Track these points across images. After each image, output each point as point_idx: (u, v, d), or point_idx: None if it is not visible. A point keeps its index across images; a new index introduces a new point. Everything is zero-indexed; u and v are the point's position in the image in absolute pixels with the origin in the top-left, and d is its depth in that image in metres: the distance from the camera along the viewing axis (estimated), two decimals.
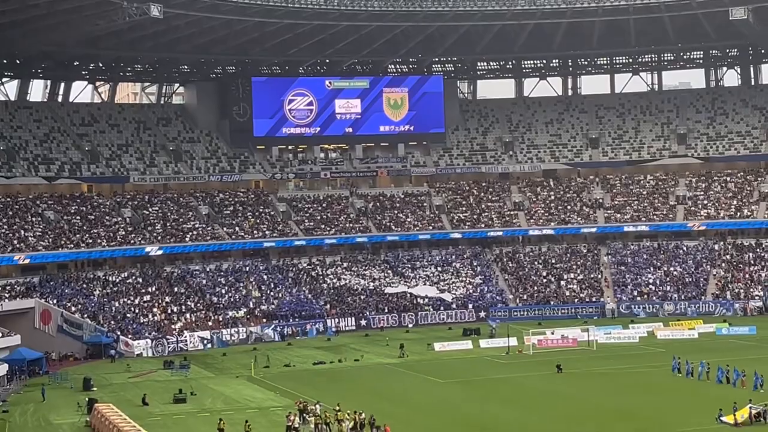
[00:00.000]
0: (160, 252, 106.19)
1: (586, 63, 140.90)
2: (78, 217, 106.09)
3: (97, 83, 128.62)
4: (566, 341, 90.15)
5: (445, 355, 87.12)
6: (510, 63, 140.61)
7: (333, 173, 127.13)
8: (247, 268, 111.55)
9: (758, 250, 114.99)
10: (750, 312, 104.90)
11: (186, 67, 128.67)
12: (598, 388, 69.90)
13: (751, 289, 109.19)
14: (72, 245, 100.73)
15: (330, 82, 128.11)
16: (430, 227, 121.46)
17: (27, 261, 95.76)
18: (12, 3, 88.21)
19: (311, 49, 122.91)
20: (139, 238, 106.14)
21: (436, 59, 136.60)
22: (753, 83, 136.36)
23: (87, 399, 65.98)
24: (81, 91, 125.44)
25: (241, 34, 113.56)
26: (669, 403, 63.75)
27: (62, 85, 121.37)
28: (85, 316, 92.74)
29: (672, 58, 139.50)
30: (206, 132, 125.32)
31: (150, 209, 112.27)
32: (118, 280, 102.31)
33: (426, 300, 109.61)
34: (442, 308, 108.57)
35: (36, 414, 65.78)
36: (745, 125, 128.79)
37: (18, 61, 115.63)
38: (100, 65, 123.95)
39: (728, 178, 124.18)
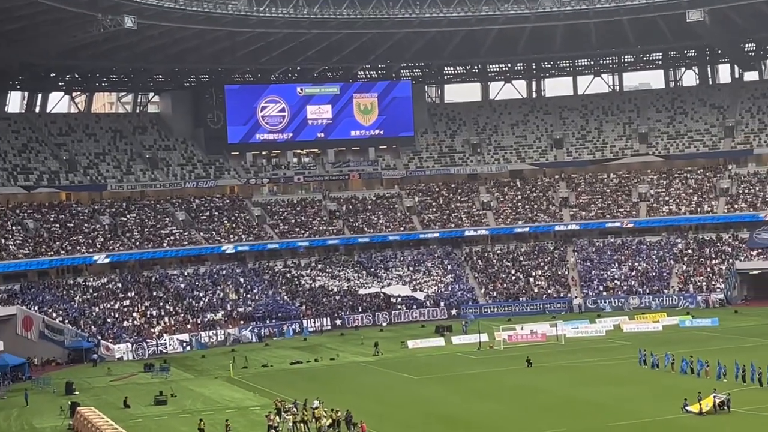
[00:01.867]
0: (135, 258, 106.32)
1: (549, 66, 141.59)
2: (57, 225, 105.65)
3: (74, 94, 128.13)
4: (535, 336, 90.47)
5: (418, 352, 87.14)
6: (476, 67, 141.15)
7: (306, 177, 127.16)
8: (224, 272, 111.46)
9: (718, 244, 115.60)
10: (712, 304, 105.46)
11: (160, 76, 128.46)
12: (567, 381, 69.97)
13: (713, 282, 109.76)
14: (52, 253, 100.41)
15: (301, 89, 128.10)
16: (402, 228, 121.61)
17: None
18: None
19: (282, 57, 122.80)
20: (118, 245, 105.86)
21: (404, 65, 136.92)
22: (710, 83, 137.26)
23: (69, 403, 65.67)
24: (58, 102, 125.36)
25: (213, 44, 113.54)
26: (636, 393, 63.96)
27: (39, 96, 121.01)
28: (66, 321, 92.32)
29: (632, 59, 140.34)
30: (181, 139, 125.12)
31: (128, 216, 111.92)
32: (98, 285, 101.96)
33: (399, 299, 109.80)
34: (414, 307, 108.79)
35: (20, 418, 65.48)
36: (703, 123, 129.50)
37: None
38: (77, 76, 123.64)
39: (688, 175, 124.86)
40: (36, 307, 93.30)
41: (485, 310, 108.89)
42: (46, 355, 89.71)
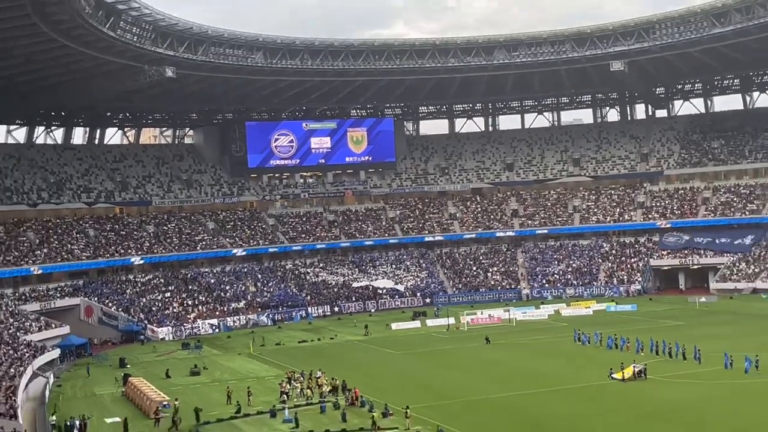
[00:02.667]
0: (177, 259, 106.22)
1: (502, 106, 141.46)
2: (112, 233, 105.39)
3: (126, 129, 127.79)
4: (492, 319, 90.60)
5: (400, 333, 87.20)
6: (444, 107, 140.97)
7: (310, 194, 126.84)
8: (245, 270, 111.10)
9: (636, 246, 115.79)
10: (631, 293, 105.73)
11: (194, 114, 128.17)
12: (518, 355, 70.30)
13: (632, 276, 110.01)
14: (108, 255, 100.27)
15: (306, 125, 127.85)
16: (386, 234, 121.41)
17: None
18: (59, 68, 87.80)
19: (291, 99, 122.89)
20: (160, 249, 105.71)
21: (388, 105, 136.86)
22: (629, 119, 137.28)
23: (122, 374, 65.92)
24: (113, 135, 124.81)
25: (236, 89, 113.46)
26: (572, 364, 64.24)
27: (98, 130, 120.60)
28: (120, 309, 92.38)
29: (567, 101, 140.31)
30: (211, 165, 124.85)
31: (168, 225, 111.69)
32: (144, 281, 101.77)
33: (384, 290, 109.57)
34: (396, 296, 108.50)
35: (83, 387, 65.65)
36: (624, 151, 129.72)
37: (63, 113, 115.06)
38: (128, 115, 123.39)
39: (612, 192, 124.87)
40: (95, 298, 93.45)
41: (452, 299, 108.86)
42: (104, 336, 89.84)
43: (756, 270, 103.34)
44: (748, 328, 77.42)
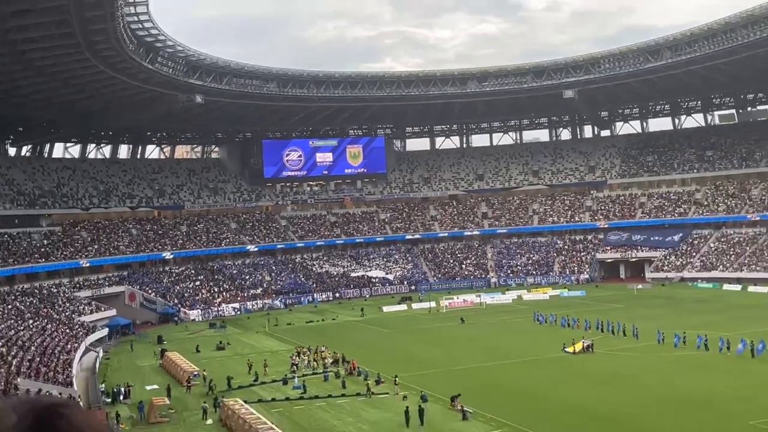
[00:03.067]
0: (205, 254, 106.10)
1: (474, 127, 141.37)
2: (151, 232, 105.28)
3: (162, 145, 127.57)
4: (466, 303, 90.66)
5: (390, 314, 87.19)
6: (426, 128, 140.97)
7: (315, 200, 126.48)
8: (262, 262, 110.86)
9: (584, 242, 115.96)
10: (581, 281, 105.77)
11: (220, 134, 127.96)
12: (487, 333, 70.48)
13: (581, 267, 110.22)
14: (148, 250, 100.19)
15: (312, 142, 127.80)
16: (378, 233, 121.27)
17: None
18: (108, 95, 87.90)
19: (300, 121, 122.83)
20: (191, 245, 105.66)
21: (380, 126, 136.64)
22: (579, 137, 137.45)
23: (160, 349, 65.94)
24: (152, 151, 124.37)
25: (254, 113, 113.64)
26: (532, 340, 64.51)
27: (140, 147, 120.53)
28: (157, 295, 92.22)
29: (528, 122, 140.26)
30: (233, 175, 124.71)
31: (198, 226, 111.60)
32: (179, 271, 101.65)
33: (376, 279, 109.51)
34: (387, 284, 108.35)
35: (127, 360, 65.75)
36: (574, 164, 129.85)
37: (110, 133, 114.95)
38: (164, 134, 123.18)
39: (565, 198, 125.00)
40: (137, 286, 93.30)
41: (433, 286, 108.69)
42: (144, 318, 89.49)
43: (683, 262, 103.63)
44: (677, 310, 77.87)
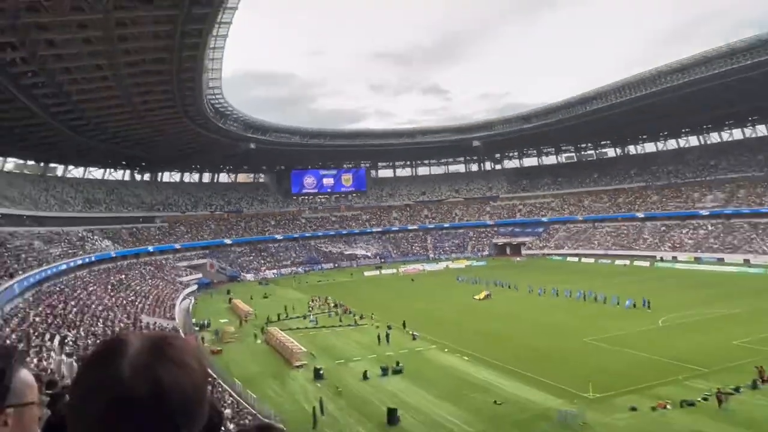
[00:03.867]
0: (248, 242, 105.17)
1: (419, 162, 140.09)
2: (222, 227, 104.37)
3: (230, 173, 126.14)
4: (415, 270, 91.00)
5: (369, 277, 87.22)
6: (391, 163, 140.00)
7: (323, 207, 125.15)
8: (290, 245, 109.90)
9: (485, 233, 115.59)
10: (483, 256, 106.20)
11: (264, 166, 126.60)
12: (427, 288, 70.67)
13: (484, 248, 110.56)
14: (220, 238, 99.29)
15: (321, 172, 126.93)
16: (362, 227, 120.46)
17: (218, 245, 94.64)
18: (196, 144, 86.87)
19: (313, 159, 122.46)
20: (248, 235, 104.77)
21: (363, 162, 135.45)
22: (482, 169, 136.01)
23: (229, 298, 65.64)
24: (225, 176, 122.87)
25: (286, 154, 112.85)
26: (453, 292, 64.99)
27: (216, 174, 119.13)
28: (227, 266, 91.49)
29: (452, 160, 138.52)
30: (273, 192, 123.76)
31: (251, 223, 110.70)
32: (239, 251, 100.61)
33: (361, 255, 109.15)
34: (367, 258, 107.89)
35: (209, 302, 65.26)
36: (479, 185, 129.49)
37: (199, 165, 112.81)
38: (230, 166, 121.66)
39: (475, 206, 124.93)
40: (215, 260, 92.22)
41: (396, 260, 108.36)
42: (219, 279, 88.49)
43: (544, 245, 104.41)
44: (540, 272, 78.73)
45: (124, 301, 48.78)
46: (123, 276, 62.77)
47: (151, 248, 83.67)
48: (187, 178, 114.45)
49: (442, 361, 36.09)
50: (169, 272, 76.55)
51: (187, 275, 78.09)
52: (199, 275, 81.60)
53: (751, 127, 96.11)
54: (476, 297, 58.14)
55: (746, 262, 72.50)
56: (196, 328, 49.89)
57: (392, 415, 26.11)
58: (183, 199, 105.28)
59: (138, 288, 57.98)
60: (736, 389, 27.23)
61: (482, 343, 39.78)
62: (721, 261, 75.21)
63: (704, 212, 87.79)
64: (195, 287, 73.72)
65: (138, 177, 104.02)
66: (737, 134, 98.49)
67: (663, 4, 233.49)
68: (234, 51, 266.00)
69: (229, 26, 46.76)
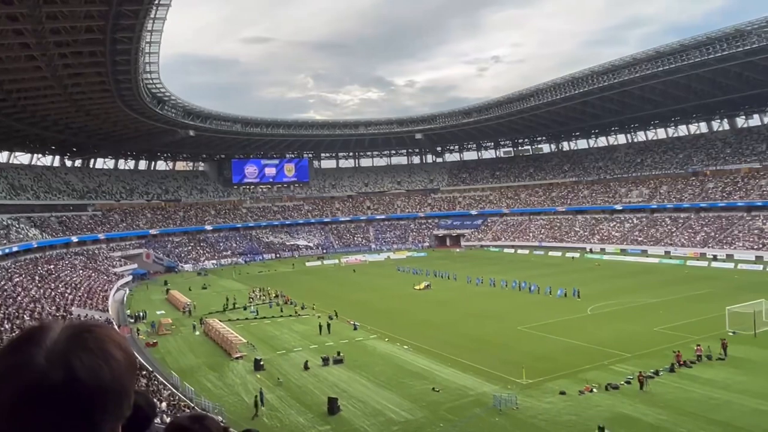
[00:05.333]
0: (185, 230, 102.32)
1: (362, 154, 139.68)
2: (160, 216, 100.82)
3: (167, 160, 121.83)
4: (357, 261, 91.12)
5: (311, 268, 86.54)
6: (333, 154, 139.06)
7: (264, 197, 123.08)
8: (230, 235, 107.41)
9: (426, 224, 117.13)
10: (424, 248, 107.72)
11: (204, 155, 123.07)
12: (369, 278, 70.97)
13: (424, 239, 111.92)
14: (158, 227, 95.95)
15: (263, 161, 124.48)
16: (304, 218, 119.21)
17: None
18: (133, 131, 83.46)
19: (255, 148, 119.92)
20: (186, 224, 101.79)
21: (305, 152, 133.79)
22: (424, 162, 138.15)
23: (166, 289, 63.72)
24: (163, 164, 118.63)
25: (226, 142, 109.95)
26: (395, 282, 65.51)
27: (153, 162, 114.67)
28: (164, 255, 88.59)
29: (395, 152, 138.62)
30: (213, 181, 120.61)
31: (190, 212, 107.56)
32: (178, 241, 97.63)
33: (303, 246, 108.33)
34: (309, 249, 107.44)
35: (144, 294, 63.11)
36: (421, 177, 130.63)
37: (134, 152, 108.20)
38: (169, 153, 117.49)
39: (415, 198, 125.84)
40: (151, 249, 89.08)
41: (338, 250, 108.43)
42: (155, 269, 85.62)
43: (482, 236, 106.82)
44: (479, 263, 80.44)
45: (54, 293, 46.35)
46: (52, 266, 59.56)
47: (77, 238, 79.41)
48: (122, 164, 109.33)
49: (382, 350, 36.35)
50: (103, 262, 73.18)
51: (121, 266, 74.86)
52: (134, 265, 78.39)
53: (673, 127, 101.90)
54: (416, 287, 58.89)
55: (667, 254, 77.06)
56: (131, 320, 48.11)
57: (333, 405, 26.19)
58: (117, 187, 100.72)
59: (68, 279, 55.13)
60: (656, 372, 29.06)
61: (421, 332, 40.33)
62: (644, 252, 79.55)
63: (629, 206, 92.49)
64: (130, 278, 70.93)
65: (69, 163, 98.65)
66: (661, 133, 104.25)
67: (598, 8, 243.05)
68: (173, 34, 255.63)
69: (167, 8, 44.97)
